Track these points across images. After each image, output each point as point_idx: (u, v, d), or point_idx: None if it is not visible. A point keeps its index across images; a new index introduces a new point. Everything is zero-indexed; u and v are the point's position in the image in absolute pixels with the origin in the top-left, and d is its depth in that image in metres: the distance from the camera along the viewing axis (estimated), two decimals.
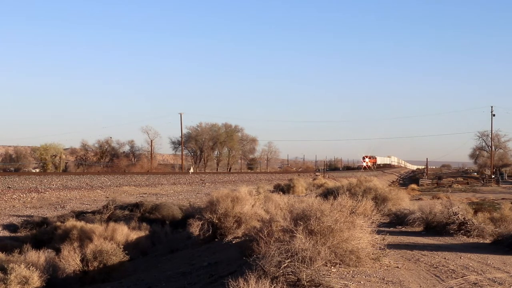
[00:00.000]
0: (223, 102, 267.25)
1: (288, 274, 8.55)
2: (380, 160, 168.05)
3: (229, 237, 17.08)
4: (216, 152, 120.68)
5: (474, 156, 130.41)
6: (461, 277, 10.11)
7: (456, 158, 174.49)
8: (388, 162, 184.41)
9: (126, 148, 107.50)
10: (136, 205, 29.84)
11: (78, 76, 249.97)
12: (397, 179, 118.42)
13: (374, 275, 9.71)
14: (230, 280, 8.22)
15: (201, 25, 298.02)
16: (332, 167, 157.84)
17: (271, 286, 8.02)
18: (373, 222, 11.23)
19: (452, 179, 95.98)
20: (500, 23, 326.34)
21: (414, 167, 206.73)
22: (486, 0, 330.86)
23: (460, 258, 12.09)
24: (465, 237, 15.84)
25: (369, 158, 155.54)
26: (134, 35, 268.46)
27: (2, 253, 18.02)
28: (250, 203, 18.07)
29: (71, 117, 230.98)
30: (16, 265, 13.25)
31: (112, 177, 55.01)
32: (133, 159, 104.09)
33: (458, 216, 16.56)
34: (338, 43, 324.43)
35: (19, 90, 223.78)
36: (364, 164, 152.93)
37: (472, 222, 16.42)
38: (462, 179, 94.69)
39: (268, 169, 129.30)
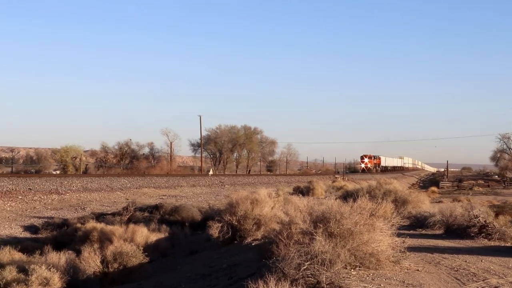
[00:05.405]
0: (243, 104, 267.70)
1: (308, 277, 8.53)
2: (388, 162, 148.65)
3: (249, 239, 17.07)
4: (235, 154, 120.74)
5: (495, 158, 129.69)
6: (482, 280, 10.03)
7: (477, 161, 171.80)
8: (399, 164, 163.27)
9: (146, 150, 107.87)
10: (156, 207, 29.93)
11: (99, 79, 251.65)
12: (417, 181, 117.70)
13: (394, 278, 9.66)
14: (250, 282, 8.22)
15: (221, 28, 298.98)
16: (351, 169, 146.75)
17: None
18: (393, 225, 11.16)
19: (473, 181, 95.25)
20: None
21: (434, 170, 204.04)
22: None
23: (481, 261, 11.99)
24: (486, 240, 15.72)
25: (370, 158, 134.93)
26: (155, 37, 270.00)
27: (24, 254, 18.20)
28: (270, 205, 18.04)
29: (92, 119, 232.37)
30: (37, 266, 13.35)
31: (132, 179, 55.19)
32: (152, 161, 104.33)
33: (479, 219, 16.43)
34: (360, 44, 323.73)
35: (40, 93, 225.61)
36: (363, 165, 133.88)
37: (493, 225, 16.29)
38: (483, 182, 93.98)
39: (287, 171, 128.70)
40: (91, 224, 24.21)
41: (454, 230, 17.00)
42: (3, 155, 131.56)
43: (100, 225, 23.28)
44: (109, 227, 21.99)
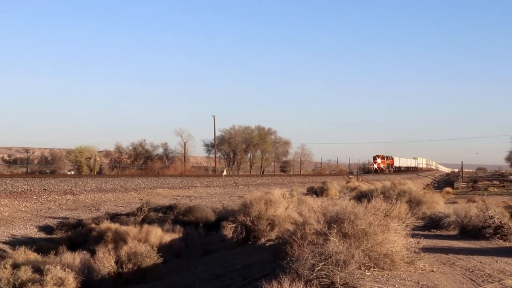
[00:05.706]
0: (256, 105, 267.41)
1: (322, 277, 8.51)
2: (402, 162, 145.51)
3: (263, 240, 17.05)
4: (249, 155, 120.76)
5: (510, 159, 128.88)
6: (498, 282, 9.97)
7: (491, 161, 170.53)
8: (413, 165, 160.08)
9: (160, 150, 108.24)
10: (170, 207, 29.98)
11: (113, 79, 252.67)
12: (431, 182, 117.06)
13: (409, 279, 9.63)
14: (264, 283, 8.21)
15: (234, 28, 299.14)
16: (365, 170, 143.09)
17: None
18: (407, 226, 11.11)
19: (488, 182, 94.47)
20: None
21: (448, 170, 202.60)
22: None
23: (497, 262, 11.92)
24: (501, 241, 15.61)
25: (382, 158, 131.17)
26: (167, 38, 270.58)
27: (39, 254, 18.28)
28: (284, 206, 18.00)
29: (106, 119, 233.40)
30: (52, 267, 13.40)
31: (146, 179, 55.32)
32: (166, 162, 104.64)
33: (494, 220, 16.33)
34: (372, 44, 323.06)
35: (54, 93, 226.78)
36: (375, 165, 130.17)
37: (509, 225, 16.17)
38: (498, 182, 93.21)
39: (301, 172, 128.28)
40: (106, 224, 24.29)
41: (469, 231, 16.90)
42: (18, 156, 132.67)
43: (114, 226, 23.35)
44: (123, 228, 22.04)
